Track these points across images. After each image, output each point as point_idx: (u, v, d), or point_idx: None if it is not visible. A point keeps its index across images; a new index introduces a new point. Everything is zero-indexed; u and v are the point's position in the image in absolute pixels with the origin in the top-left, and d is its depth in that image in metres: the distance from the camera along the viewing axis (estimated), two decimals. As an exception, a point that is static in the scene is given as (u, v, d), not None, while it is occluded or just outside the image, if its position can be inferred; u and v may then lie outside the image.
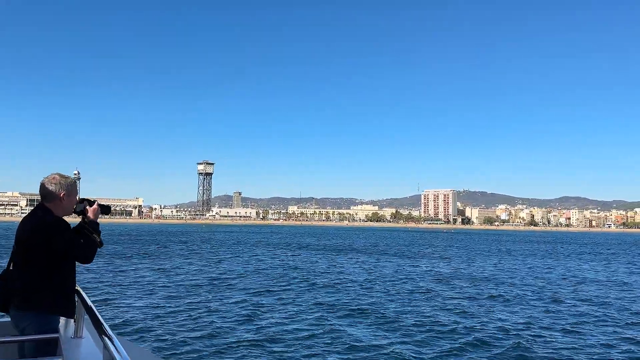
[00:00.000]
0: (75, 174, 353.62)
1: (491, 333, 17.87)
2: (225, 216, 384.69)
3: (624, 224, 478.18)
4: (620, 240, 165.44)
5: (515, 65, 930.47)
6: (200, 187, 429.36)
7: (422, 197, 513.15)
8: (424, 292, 27.68)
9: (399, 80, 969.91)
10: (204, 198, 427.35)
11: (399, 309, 22.16)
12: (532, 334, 17.99)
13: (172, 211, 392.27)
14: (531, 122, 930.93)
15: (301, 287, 28.95)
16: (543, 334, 18.00)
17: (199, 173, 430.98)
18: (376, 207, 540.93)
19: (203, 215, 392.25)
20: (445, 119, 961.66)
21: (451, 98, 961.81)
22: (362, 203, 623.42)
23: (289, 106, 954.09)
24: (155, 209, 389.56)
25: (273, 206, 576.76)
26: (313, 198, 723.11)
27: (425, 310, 21.80)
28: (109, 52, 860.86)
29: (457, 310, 22.20)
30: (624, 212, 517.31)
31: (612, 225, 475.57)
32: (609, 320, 21.07)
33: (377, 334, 17.32)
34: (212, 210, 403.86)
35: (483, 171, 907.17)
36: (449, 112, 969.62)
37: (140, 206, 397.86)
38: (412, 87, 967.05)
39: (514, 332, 18.03)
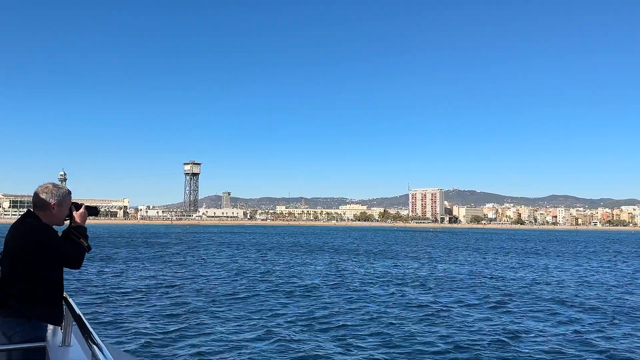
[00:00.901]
0: (61, 175, 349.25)
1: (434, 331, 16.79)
2: (212, 217, 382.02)
3: (609, 221, 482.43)
4: (604, 238, 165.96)
5: (506, 65, 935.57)
6: (187, 188, 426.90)
7: (410, 196, 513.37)
8: (386, 295, 26.49)
9: (390, 81, 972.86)
10: (191, 198, 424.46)
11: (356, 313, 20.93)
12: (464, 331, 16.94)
13: (157, 212, 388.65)
14: (521, 122, 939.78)
15: (245, 288, 27.62)
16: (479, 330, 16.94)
17: (186, 173, 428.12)
18: (365, 207, 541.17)
19: (190, 216, 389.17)
20: (436, 120, 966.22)
21: (443, 99, 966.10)
22: (352, 203, 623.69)
23: (281, 107, 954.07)
24: (141, 209, 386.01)
25: (263, 206, 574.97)
26: (303, 198, 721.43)
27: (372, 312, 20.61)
28: (96, 53, 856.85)
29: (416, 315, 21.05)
30: (609, 210, 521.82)
31: (598, 223, 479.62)
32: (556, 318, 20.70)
33: (314, 337, 16.05)
34: (199, 211, 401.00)
35: (473, 170, 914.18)
36: (440, 112, 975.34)
37: (125, 207, 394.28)
38: (404, 88, 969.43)
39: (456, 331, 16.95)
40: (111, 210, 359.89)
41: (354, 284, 30.72)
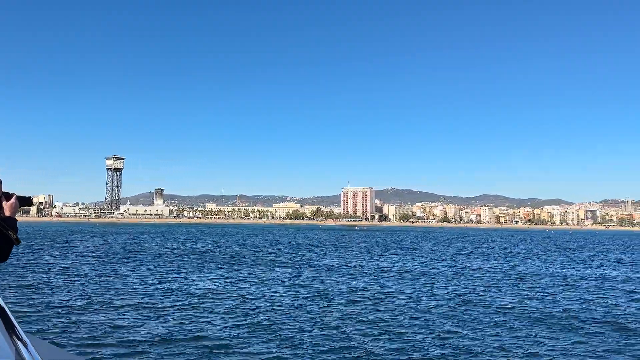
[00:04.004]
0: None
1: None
2: (134, 214, 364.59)
3: (530, 220, 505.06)
4: (515, 236, 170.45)
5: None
6: (109, 184, 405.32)
7: (342, 194, 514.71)
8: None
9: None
10: (113, 195, 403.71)
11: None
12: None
13: (74, 209, 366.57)
14: (457, 124, 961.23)
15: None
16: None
17: (108, 168, 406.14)
18: (298, 205, 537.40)
19: (111, 213, 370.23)
20: (377, 121, 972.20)
21: (385, 101, 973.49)
22: (292, 200, 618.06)
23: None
24: (56, 206, 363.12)
25: (201, 204, 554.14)
26: (239, 195, 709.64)
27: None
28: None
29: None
30: (530, 210, 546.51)
31: (520, 222, 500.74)
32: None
33: None
34: (121, 208, 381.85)
35: (411, 170, 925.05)
36: (382, 114, 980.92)
37: (40, 203, 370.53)
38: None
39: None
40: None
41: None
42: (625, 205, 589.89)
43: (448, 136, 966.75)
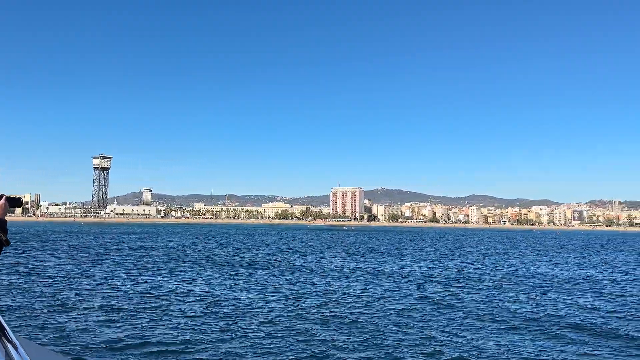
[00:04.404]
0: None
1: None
2: (121, 214, 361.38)
3: (517, 220, 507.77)
4: (501, 236, 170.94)
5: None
6: (96, 183, 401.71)
7: (331, 194, 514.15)
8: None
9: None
10: (100, 195, 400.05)
11: None
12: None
13: (60, 209, 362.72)
14: (453, 125, 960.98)
15: None
16: None
17: (95, 168, 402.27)
18: (287, 205, 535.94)
19: (97, 213, 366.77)
20: (376, 121, 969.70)
21: (385, 101, 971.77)
22: (283, 200, 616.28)
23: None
24: (41, 206, 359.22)
25: (191, 203, 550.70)
26: (228, 195, 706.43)
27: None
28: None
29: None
30: (518, 210, 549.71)
31: (507, 222, 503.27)
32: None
33: None
34: (107, 208, 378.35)
35: (402, 170, 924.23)
36: (381, 114, 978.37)
37: (26, 203, 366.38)
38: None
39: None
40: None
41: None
42: (612, 206, 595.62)
43: (440, 136, 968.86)
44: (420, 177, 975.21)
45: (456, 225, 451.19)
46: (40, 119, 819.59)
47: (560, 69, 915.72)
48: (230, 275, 38.92)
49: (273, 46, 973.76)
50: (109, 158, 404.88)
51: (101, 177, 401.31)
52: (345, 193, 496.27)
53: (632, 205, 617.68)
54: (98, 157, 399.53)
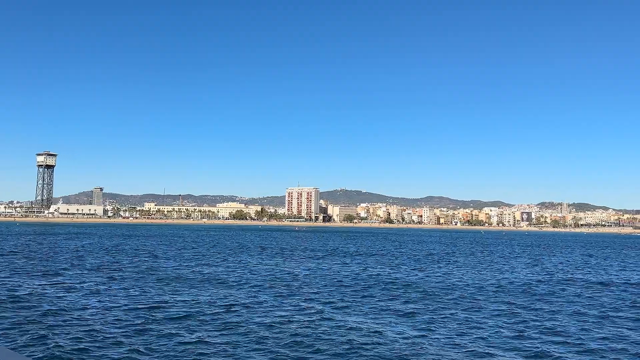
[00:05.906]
0: None
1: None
2: (66, 213, 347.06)
3: (468, 221, 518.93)
4: (447, 236, 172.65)
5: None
6: (40, 181, 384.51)
7: (287, 195, 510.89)
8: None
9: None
10: (44, 194, 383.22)
11: None
12: None
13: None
14: (409, 126, 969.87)
15: None
16: None
17: (39, 165, 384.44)
18: (243, 205, 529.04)
19: (40, 212, 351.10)
20: (333, 122, 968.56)
21: (338, 102, 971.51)
22: (241, 201, 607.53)
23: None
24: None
25: (145, 203, 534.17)
26: (191, 195, 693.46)
27: None
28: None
29: None
30: (470, 211, 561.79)
31: (458, 222, 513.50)
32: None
33: None
34: (51, 207, 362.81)
35: (361, 172, 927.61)
36: (337, 115, 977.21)
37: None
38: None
39: None
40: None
41: None
42: (561, 208, 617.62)
43: (400, 138, 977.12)
44: (380, 178, 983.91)
45: (409, 225, 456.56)
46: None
47: (512, 73, 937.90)
48: (120, 282, 35.91)
49: (221, 43, 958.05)
50: (54, 155, 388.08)
51: (45, 175, 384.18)
52: (301, 193, 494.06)
53: (580, 207, 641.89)
54: (42, 154, 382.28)
